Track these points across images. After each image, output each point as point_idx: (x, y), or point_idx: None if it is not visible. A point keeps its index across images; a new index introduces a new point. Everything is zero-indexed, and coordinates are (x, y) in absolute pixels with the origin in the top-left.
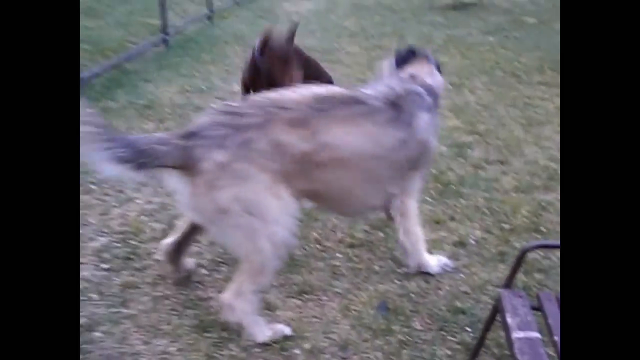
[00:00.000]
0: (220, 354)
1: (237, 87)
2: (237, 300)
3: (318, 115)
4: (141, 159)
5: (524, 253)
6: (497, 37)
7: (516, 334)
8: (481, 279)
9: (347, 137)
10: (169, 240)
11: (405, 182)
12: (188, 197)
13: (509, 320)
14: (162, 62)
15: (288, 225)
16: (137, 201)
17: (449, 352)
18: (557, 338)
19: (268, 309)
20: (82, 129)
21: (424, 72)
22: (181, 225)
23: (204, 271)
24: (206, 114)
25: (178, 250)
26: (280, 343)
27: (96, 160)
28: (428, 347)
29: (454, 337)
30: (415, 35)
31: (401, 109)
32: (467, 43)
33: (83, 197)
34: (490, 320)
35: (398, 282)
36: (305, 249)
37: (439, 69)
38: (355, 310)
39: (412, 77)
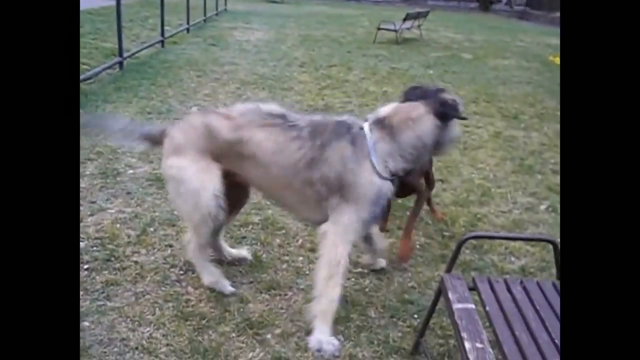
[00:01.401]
0: (201, 339)
1: (195, 110)
2: (189, 244)
3: (244, 117)
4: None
5: (462, 242)
6: (436, 70)
7: (456, 305)
8: (426, 276)
9: (261, 139)
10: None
11: (333, 210)
12: None
13: (450, 295)
14: (119, 85)
15: (210, 194)
16: (110, 211)
17: (400, 334)
18: (488, 308)
19: (241, 302)
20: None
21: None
22: None
23: (179, 270)
24: None
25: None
26: (254, 329)
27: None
28: (382, 330)
29: (404, 322)
30: (361, 67)
31: (318, 134)
32: (409, 75)
33: None
34: (435, 302)
35: (354, 280)
36: (270, 253)
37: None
38: None
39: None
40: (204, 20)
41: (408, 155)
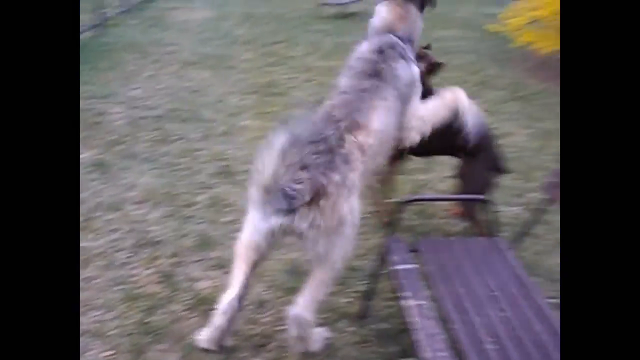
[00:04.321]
0: (151, 319)
1: (137, 93)
2: (307, 312)
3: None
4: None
5: (401, 204)
6: None
7: (399, 267)
8: (372, 243)
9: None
10: (232, 296)
11: None
12: (309, 220)
13: (393, 257)
14: None
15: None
16: None
17: (349, 300)
18: (428, 268)
19: (190, 280)
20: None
21: None
22: (240, 278)
23: (127, 253)
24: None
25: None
26: (205, 306)
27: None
28: (332, 298)
29: (352, 288)
30: (306, 43)
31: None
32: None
33: None
34: (379, 266)
35: (302, 251)
36: (218, 230)
37: None
38: (268, 275)
39: None
40: (144, 1)
41: None
